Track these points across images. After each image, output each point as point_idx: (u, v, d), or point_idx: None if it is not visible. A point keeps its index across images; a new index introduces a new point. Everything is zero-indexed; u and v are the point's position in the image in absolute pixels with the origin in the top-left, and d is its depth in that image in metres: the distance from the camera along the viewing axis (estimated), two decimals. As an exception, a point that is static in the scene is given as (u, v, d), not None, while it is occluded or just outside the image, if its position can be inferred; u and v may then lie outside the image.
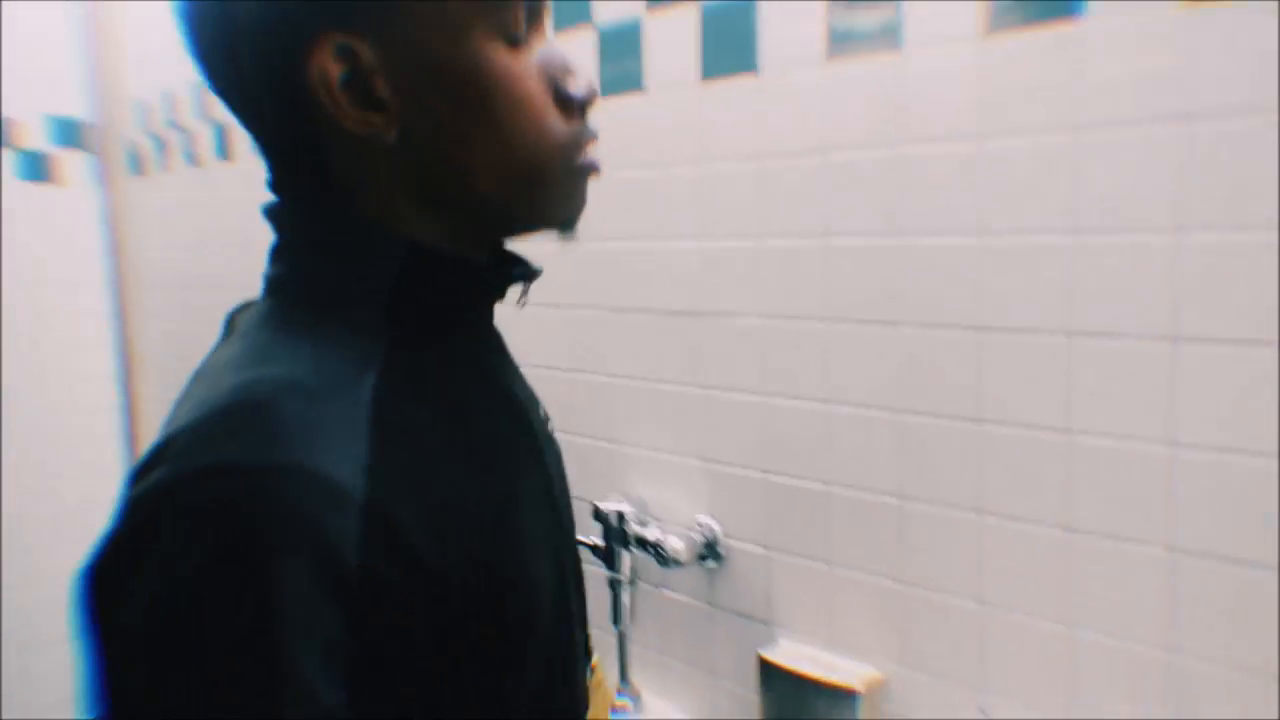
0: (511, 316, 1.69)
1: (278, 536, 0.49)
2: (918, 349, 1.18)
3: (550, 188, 0.65)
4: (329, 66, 0.57)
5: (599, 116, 1.52)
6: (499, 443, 0.68)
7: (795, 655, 1.34)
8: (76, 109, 2.98)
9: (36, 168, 2.90)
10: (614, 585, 1.51)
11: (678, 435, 1.48)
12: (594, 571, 1.59)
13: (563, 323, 1.65)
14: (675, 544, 1.43)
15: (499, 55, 0.60)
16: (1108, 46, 0.99)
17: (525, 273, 0.71)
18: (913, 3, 1.14)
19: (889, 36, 1.17)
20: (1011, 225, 1.09)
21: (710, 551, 1.44)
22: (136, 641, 0.48)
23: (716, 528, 1.44)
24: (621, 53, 1.48)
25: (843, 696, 1.27)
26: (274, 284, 0.66)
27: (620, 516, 1.49)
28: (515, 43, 0.61)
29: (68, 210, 3.00)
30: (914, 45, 1.15)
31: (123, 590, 0.49)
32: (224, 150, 2.47)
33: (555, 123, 0.64)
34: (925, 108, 1.15)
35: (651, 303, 1.49)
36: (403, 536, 0.55)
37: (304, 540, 0.50)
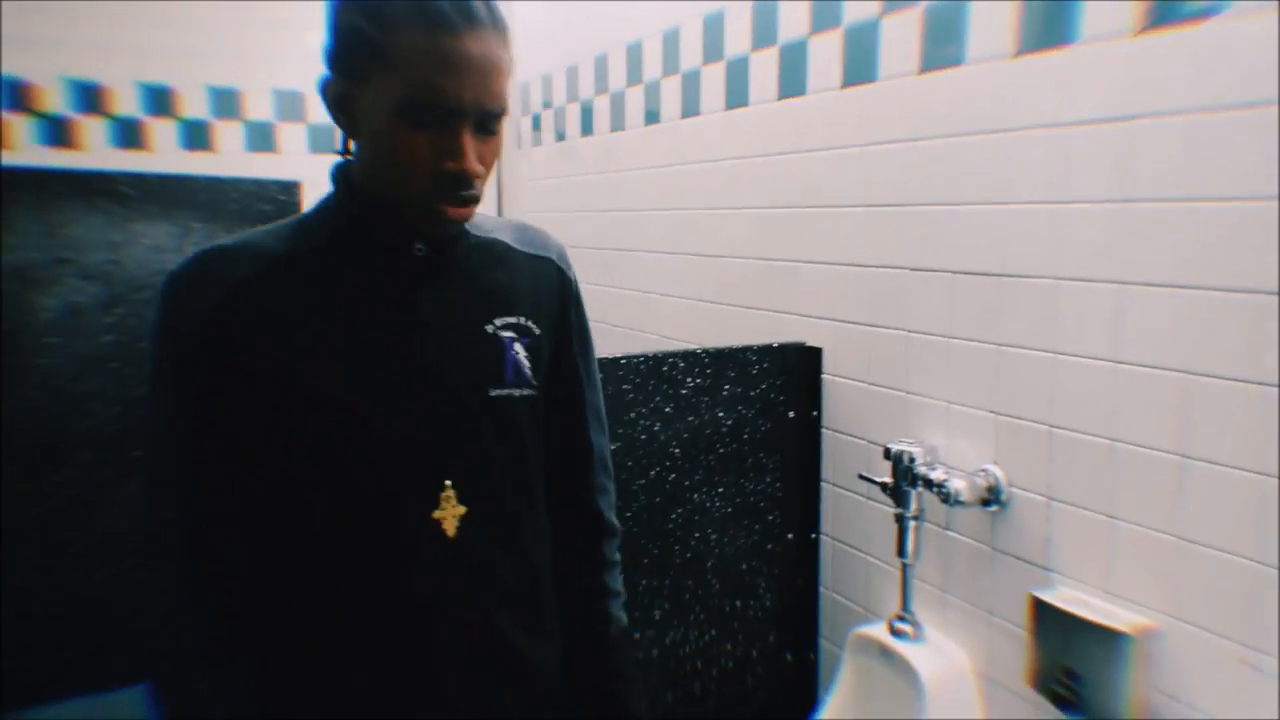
0: (820, 276, 1.86)
1: (168, 313, 1.01)
2: (1213, 312, 1.22)
3: (410, 212, 1.00)
4: (333, 88, 1.00)
5: (921, 88, 1.66)
6: (366, 322, 1.03)
7: (1069, 598, 1.42)
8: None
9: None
10: (900, 521, 1.65)
11: (968, 387, 1.59)
12: (881, 508, 1.75)
13: (865, 280, 1.80)
14: (959, 485, 1.55)
15: (399, 129, 0.95)
16: None
17: (430, 241, 1.06)
18: (1226, -27, 1.17)
19: (1207, 3, 1.20)
20: (1316, 191, 1.10)
21: (993, 496, 1.54)
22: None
23: (1000, 475, 1.54)
24: (945, 30, 1.60)
25: (1114, 638, 1.34)
26: None
27: (910, 457, 1.63)
28: (416, 127, 0.95)
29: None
30: (1232, 13, 1.18)
31: None
32: (589, 127, 2.85)
33: (415, 178, 0.97)
34: (1231, 75, 1.18)
35: (949, 263, 1.61)
36: (240, 330, 0.98)
37: (179, 318, 0.99)
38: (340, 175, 1.07)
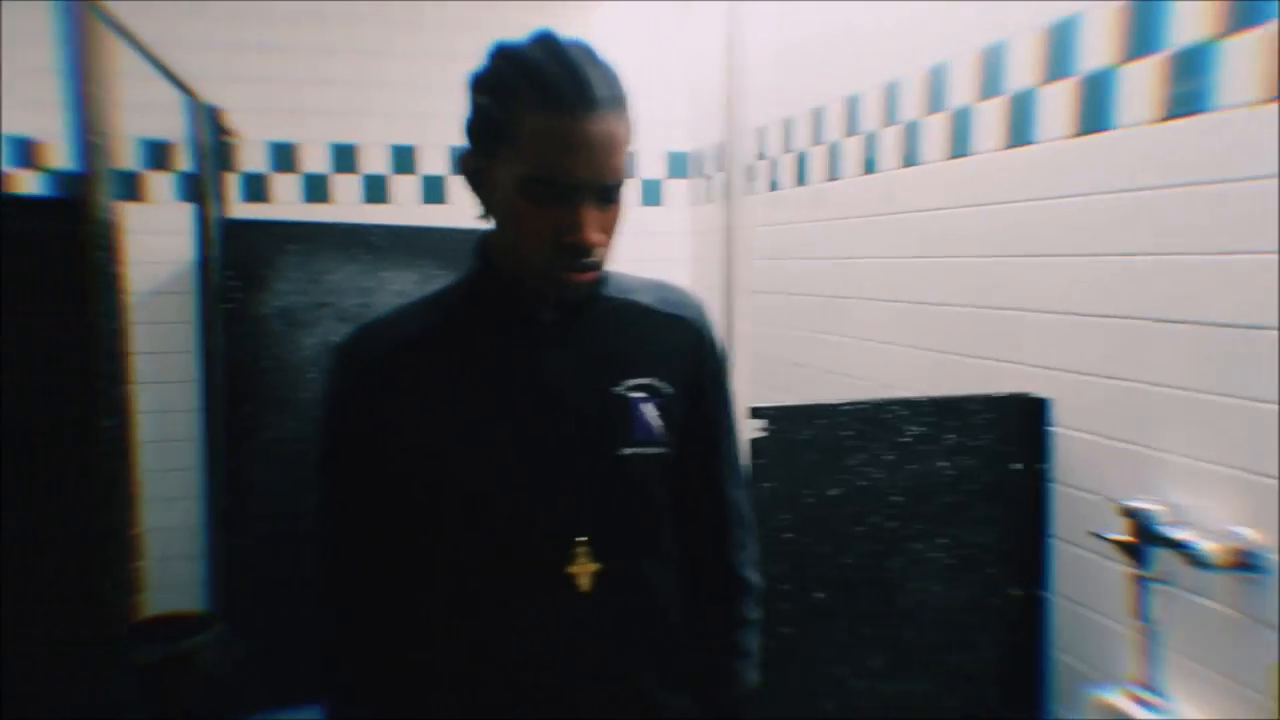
0: (1046, 325, 1.83)
1: (331, 380, 1.12)
2: None
3: (533, 281, 1.07)
4: (469, 161, 1.08)
5: (1159, 136, 1.62)
6: (497, 387, 1.10)
7: (1337, 676, 1.33)
8: (682, 144, 3.68)
9: (653, 194, 3.64)
10: (1140, 582, 1.59)
11: (1217, 444, 1.52)
12: (1114, 567, 1.69)
13: (1097, 330, 1.75)
14: (1209, 547, 1.48)
15: (520, 204, 1.02)
16: None
17: (559, 306, 1.13)
18: None
19: None
20: None
21: (1247, 560, 1.46)
22: None
23: (1256, 538, 1.46)
24: (1190, 77, 1.56)
25: (1391, 724, 1.24)
26: None
27: (1151, 515, 1.57)
28: (538, 202, 1.01)
29: (669, 227, 3.71)
30: None
31: None
32: (804, 177, 2.91)
33: (537, 250, 1.04)
34: None
35: (1192, 313, 1.55)
36: (385, 399, 1.08)
37: (339, 385, 1.11)
38: (480, 246, 1.14)
